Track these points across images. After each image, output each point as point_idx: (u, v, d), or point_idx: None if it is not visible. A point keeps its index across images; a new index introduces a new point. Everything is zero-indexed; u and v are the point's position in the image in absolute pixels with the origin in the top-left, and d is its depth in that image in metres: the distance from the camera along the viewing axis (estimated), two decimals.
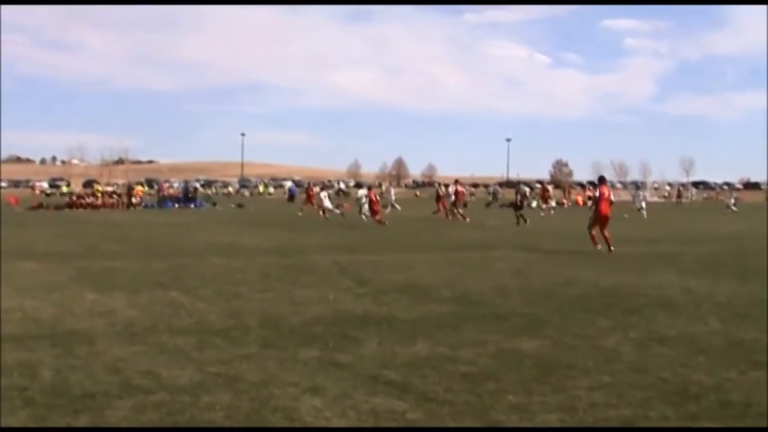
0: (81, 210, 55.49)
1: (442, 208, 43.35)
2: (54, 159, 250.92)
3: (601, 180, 24.15)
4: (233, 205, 65.56)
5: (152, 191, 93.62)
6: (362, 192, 42.39)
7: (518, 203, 39.41)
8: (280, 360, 8.24)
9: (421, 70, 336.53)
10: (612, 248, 21.67)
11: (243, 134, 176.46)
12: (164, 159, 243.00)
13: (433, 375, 7.65)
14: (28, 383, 7.21)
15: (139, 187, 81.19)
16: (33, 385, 7.16)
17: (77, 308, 11.52)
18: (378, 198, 39.98)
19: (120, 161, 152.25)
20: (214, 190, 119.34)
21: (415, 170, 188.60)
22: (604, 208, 22.38)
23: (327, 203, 42.71)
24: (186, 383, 7.26)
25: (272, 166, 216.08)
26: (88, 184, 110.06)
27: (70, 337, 9.36)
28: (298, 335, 9.58)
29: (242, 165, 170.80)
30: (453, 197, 42.26)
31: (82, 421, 6.14)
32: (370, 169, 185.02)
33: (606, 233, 22.15)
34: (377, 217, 36.93)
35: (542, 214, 50.41)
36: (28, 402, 6.62)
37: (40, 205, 58.36)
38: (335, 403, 6.65)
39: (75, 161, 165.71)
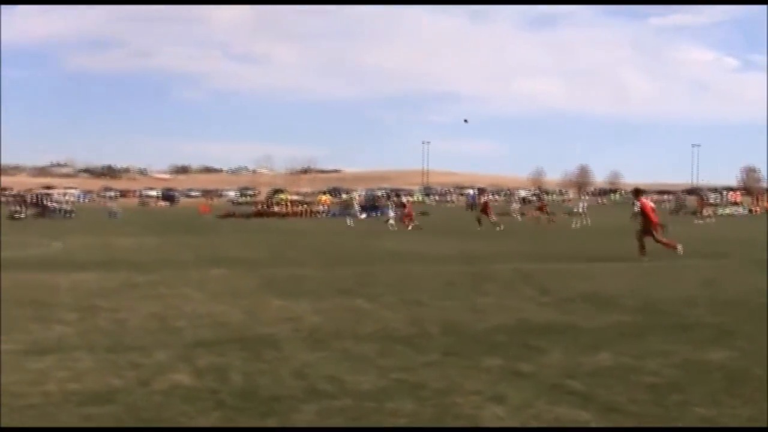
0: (268, 218, 57.17)
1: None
2: (243, 168, 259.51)
3: (639, 192, 24.71)
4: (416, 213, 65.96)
5: (337, 200, 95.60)
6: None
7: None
8: (462, 368, 8.24)
9: (606, 75, 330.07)
10: (678, 248, 21.54)
11: (425, 142, 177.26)
12: (348, 168, 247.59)
13: (617, 385, 7.49)
14: (219, 386, 7.46)
15: (326, 196, 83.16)
16: (223, 387, 7.40)
17: (264, 314, 11.84)
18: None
19: (306, 170, 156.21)
20: (398, 199, 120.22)
21: (600, 177, 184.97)
22: (654, 217, 22.33)
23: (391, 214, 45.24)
24: (369, 389, 7.36)
25: (456, 174, 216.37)
26: (275, 193, 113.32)
27: (258, 342, 9.62)
28: (481, 343, 9.56)
29: (425, 173, 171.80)
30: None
31: (270, 424, 6.31)
32: (553, 176, 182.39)
33: (663, 240, 22.07)
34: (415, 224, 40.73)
35: (696, 221, 49.81)
36: (219, 404, 6.84)
37: (230, 214, 60.52)
38: (518, 412, 6.60)
39: (263, 170, 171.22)
